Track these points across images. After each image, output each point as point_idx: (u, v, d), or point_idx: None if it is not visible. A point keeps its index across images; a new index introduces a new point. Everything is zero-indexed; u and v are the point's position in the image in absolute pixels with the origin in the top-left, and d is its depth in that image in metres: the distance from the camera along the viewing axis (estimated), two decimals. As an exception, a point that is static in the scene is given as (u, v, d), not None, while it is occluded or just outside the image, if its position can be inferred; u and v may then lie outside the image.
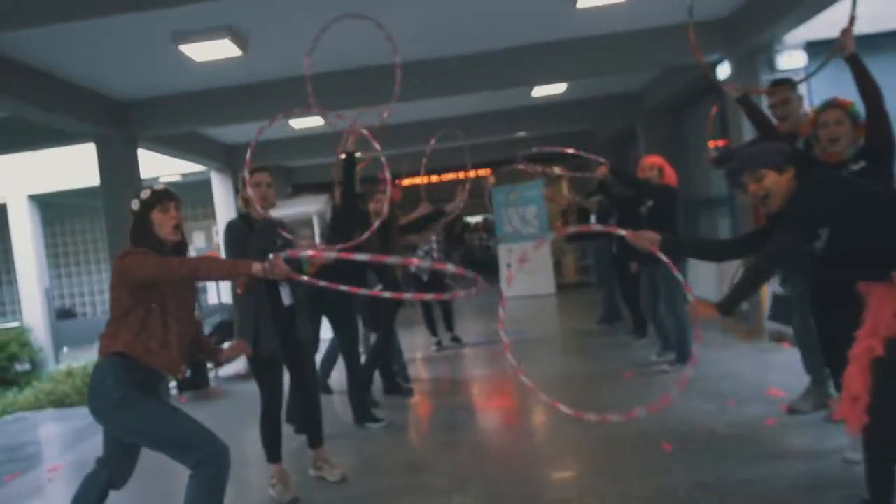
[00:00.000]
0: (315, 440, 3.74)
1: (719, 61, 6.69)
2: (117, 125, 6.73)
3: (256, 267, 2.52)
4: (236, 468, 4.60)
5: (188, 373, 2.74)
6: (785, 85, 4.01)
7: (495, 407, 5.24)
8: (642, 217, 5.51)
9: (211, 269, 2.54)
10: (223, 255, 3.76)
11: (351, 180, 4.21)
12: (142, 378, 2.59)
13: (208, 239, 12.54)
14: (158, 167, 9.86)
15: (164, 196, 2.74)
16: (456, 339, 7.97)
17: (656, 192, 5.35)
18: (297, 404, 4.31)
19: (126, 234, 2.74)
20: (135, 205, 2.72)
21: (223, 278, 2.52)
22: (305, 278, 2.85)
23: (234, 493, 3.85)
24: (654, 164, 5.47)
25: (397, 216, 4.97)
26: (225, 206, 10.10)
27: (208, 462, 2.52)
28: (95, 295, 12.06)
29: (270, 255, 2.55)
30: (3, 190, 10.64)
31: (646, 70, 8.28)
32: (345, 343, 4.67)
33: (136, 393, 2.55)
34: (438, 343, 7.79)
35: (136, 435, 2.61)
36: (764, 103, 4.32)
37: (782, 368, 5.13)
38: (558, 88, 8.39)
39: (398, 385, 5.66)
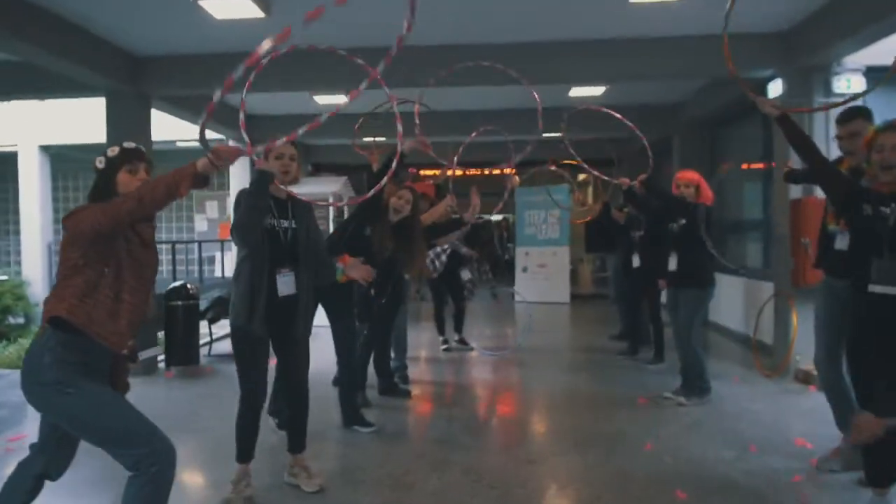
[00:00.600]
0: (296, 445, 3.41)
1: (771, 78, 6.24)
2: (130, 80, 6.42)
3: (201, 162, 2.20)
4: (210, 451, 4.47)
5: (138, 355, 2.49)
6: (859, 116, 3.54)
7: (496, 423, 4.88)
8: (672, 234, 5.13)
9: (154, 187, 2.19)
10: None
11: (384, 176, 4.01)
12: (84, 357, 2.27)
13: (221, 210, 12.31)
14: (174, 130, 9.58)
15: (134, 155, 2.44)
16: (463, 342, 7.64)
17: (692, 211, 4.95)
18: (282, 397, 4.01)
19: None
20: (100, 162, 2.41)
21: (170, 192, 2.18)
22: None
23: (210, 482, 3.56)
24: (690, 181, 5.07)
25: (419, 214, 4.62)
26: (240, 177, 9.81)
27: (149, 462, 2.21)
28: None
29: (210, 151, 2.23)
30: (15, 137, 10.47)
31: (690, 79, 7.83)
32: (340, 335, 4.35)
33: (76, 375, 2.23)
34: (446, 343, 7.46)
35: (70, 423, 2.29)
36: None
37: (807, 415, 4.74)
38: (597, 91, 7.98)
39: (395, 386, 5.33)
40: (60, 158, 9.78)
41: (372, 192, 3.54)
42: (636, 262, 6.70)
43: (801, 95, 5.99)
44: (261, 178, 3.06)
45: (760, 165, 7.79)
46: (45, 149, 9.60)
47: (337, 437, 4.28)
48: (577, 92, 7.98)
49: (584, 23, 5.90)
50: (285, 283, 3.20)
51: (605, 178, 5.42)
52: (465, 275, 7.45)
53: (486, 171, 15.62)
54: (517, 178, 14.40)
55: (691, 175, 5.13)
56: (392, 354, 5.92)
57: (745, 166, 8.44)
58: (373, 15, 5.05)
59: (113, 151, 2.42)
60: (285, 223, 3.24)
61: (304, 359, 3.35)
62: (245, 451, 3.29)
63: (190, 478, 3.72)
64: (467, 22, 5.81)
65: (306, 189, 10.32)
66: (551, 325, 9.55)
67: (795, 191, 6.03)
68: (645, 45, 6.25)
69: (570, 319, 10.65)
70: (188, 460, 3.87)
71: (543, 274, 12.22)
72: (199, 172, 2.21)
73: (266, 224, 3.17)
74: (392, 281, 4.66)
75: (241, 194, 3.13)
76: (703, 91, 8.40)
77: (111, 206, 2.23)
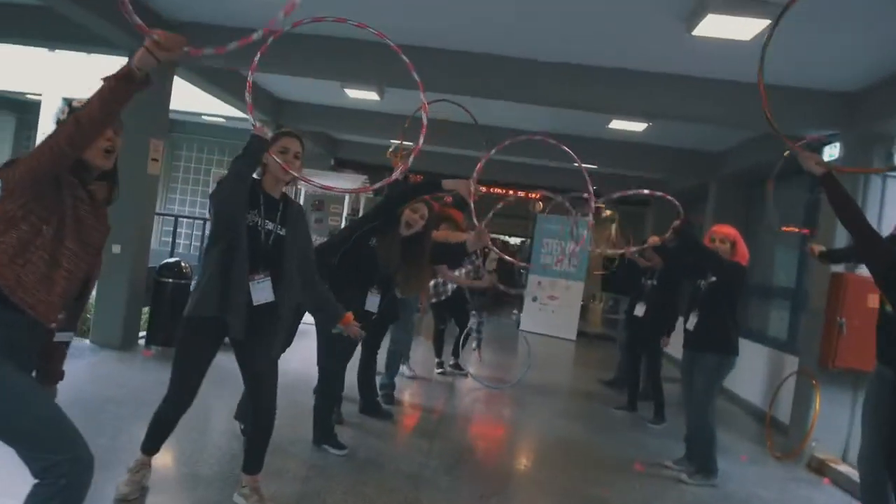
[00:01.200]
0: (251, 465, 3.03)
1: (829, 141, 5.82)
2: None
3: (137, 54, 1.86)
4: (196, 434, 4.13)
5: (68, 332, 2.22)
6: None
7: (476, 466, 4.45)
8: (698, 292, 4.71)
9: (90, 104, 1.86)
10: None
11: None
12: (7, 332, 1.90)
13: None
14: (203, 103, 9.33)
15: None
16: (458, 367, 7.26)
17: (725, 269, 4.51)
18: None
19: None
20: (62, 113, 2.07)
21: (103, 100, 1.86)
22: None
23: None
24: (727, 236, 4.63)
25: (431, 233, 4.23)
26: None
27: (60, 473, 1.85)
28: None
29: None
30: (41, 86, 10.31)
31: (739, 129, 7.41)
32: (323, 342, 3.99)
33: None
34: (441, 367, 7.08)
35: None
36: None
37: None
38: (637, 126, 7.59)
39: (377, 405, 4.94)
40: (81, 113, 9.60)
41: (378, 184, 3.15)
42: (639, 310, 6.28)
43: (858, 163, 5.56)
44: (254, 144, 2.75)
45: (803, 230, 7.33)
46: (69, 100, 9.42)
47: (303, 456, 3.88)
48: (616, 125, 7.60)
49: (634, 51, 5.51)
50: (261, 290, 2.84)
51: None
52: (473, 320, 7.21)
53: (510, 192, 15.37)
54: (541, 203, 14.07)
55: (728, 230, 4.70)
56: (383, 370, 5.58)
57: (785, 229, 8.01)
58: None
59: (78, 103, 2.08)
60: (270, 225, 2.90)
61: (272, 379, 2.99)
62: (152, 443, 3.01)
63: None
64: (517, 34, 5.45)
65: (327, 182, 10.03)
66: (553, 362, 9.13)
67: (838, 266, 5.59)
68: (696, 84, 5.85)
69: (573, 359, 10.22)
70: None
71: (553, 306, 11.79)
72: (133, 68, 1.86)
73: (248, 220, 2.84)
74: (388, 297, 4.30)
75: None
76: (749, 142, 7.98)
77: (47, 139, 1.90)
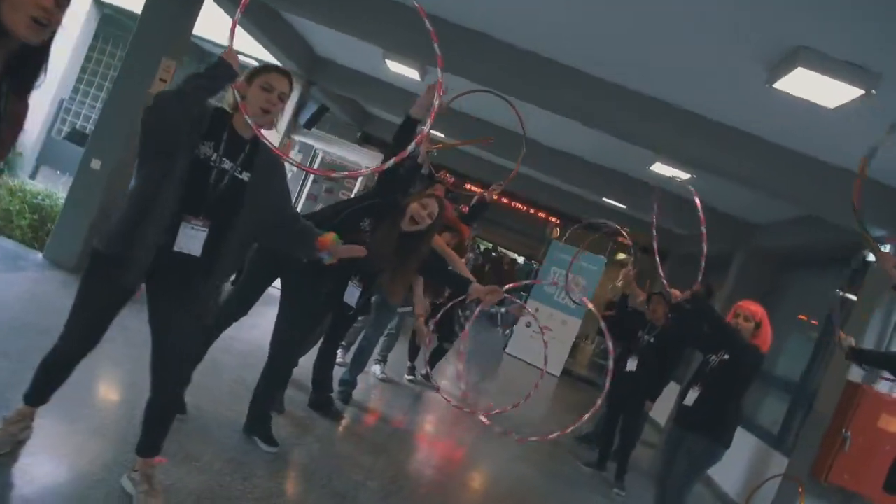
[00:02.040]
0: (145, 445, 2.55)
1: (881, 238, 5.32)
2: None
3: None
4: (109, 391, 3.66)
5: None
6: None
7: (420, 498, 3.97)
8: (706, 366, 4.21)
9: None
10: None
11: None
12: None
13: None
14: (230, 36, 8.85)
15: None
16: (427, 378, 6.81)
17: (743, 350, 4.02)
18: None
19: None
20: None
21: None
22: None
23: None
24: (753, 315, 4.09)
25: (433, 235, 3.72)
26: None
27: None
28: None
29: None
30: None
31: (791, 204, 6.89)
32: (280, 323, 3.54)
33: None
34: (412, 373, 6.65)
35: None
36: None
37: None
38: (682, 174, 7.10)
39: (328, 403, 4.48)
40: (109, 21, 9.12)
41: (390, 161, 2.65)
42: (631, 364, 5.80)
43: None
44: (220, 68, 2.31)
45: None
46: (100, 5, 8.96)
47: (226, 444, 3.40)
48: (659, 168, 7.12)
49: (705, 93, 5.03)
50: (190, 238, 2.37)
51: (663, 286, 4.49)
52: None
53: (527, 209, 14.90)
54: (557, 230, 13.57)
55: (756, 308, 4.16)
56: (346, 363, 5.17)
57: (801, 317, 7.52)
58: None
59: None
60: (228, 164, 2.44)
61: (182, 348, 2.50)
62: (37, 394, 2.56)
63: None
64: (583, 46, 4.97)
65: (343, 154, 9.58)
66: (533, 398, 8.64)
67: (855, 373, 5.11)
68: (761, 146, 5.35)
69: (552, 397, 9.73)
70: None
71: (545, 337, 11.31)
72: None
73: (200, 152, 2.38)
74: (369, 293, 3.85)
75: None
76: (788, 221, 7.48)
77: None
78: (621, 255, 16.22)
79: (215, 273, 2.46)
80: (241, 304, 3.49)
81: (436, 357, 6.83)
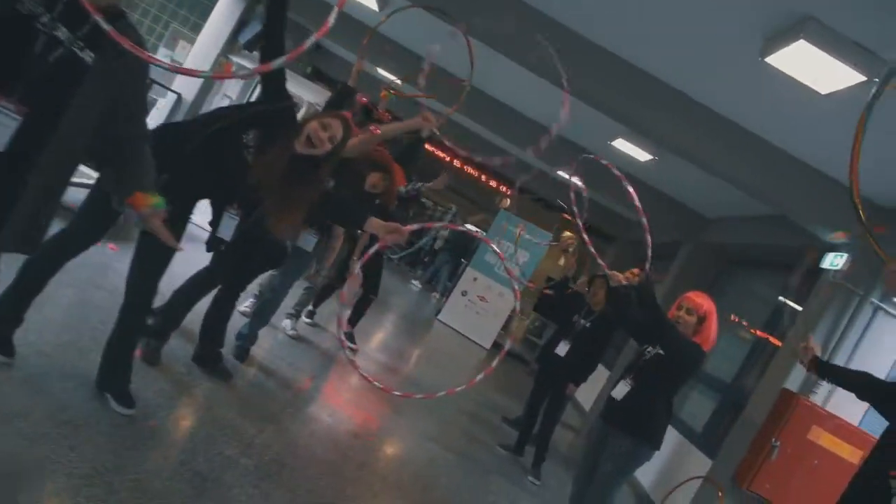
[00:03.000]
0: None
1: (839, 248, 5.01)
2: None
3: None
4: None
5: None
6: None
7: (306, 480, 3.47)
8: (641, 358, 3.81)
9: None
10: None
11: None
12: None
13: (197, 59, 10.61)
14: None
15: None
16: (350, 337, 6.32)
17: (679, 349, 3.63)
18: None
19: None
20: None
21: None
22: None
23: None
24: (697, 307, 3.67)
25: (332, 161, 3.04)
26: (221, 27, 8.11)
27: None
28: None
29: None
30: None
31: (761, 202, 6.56)
32: (141, 254, 2.92)
33: None
34: (311, 316, 6.13)
35: None
36: None
37: None
38: (643, 155, 6.68)
39: (215, 358, 3.89)
40: None
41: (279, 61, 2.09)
42: (562, 349, 5.44)
43: (858, 284, 4.80)
44: None
45: (756, 332, 6.60)
46: None
47: (65, 402, 2.75)
48: (622, 146, 6.68)
49: (684, 61, 4.56)
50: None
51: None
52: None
53: (483, 177, 14.39)
54: (507, 200, 13.11)
55: (702, 301, 3.72)
56: (246, 314, 4.62)
57: (734, 318, 7.29)
58: None
59: None
60: (64, 34, 1.83)
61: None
62: None
63: None
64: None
65: (293, 89, 8.73)
66: (456, 367, 8.26)
67: (793, 382, 4.85)
68: (731, 131, 4.95)
69: (476, 368, 9.36)
70: None
71: (479, 308, 10.94)
72: None
73: (21, 6, 1.77)
74: (250, 222, 3.27)
75: None
76: (745, 219, 7.18)
77: None
78: (567, 233, 15.91)
79: (36, 175, 1.85)
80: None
81: (359, 310, 6.31)
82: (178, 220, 2.80)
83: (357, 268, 5.95)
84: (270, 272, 4.53)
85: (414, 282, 14.34)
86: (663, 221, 8.60)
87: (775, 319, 6.44)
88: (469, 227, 5.50)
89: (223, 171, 2.81)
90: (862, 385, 3.22)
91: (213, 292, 3.89)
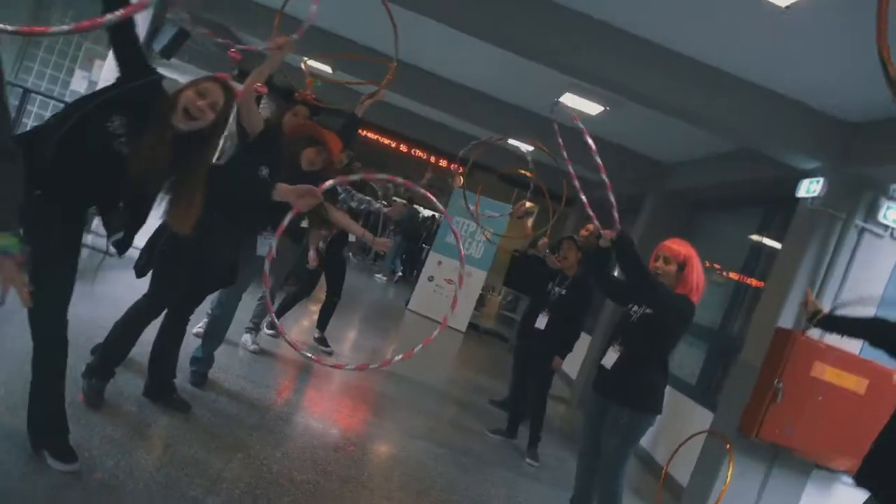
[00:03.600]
0: None
1: (813, 173, 4.81)
2: None
3: None
4: None
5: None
6: None
7: None
8: (627, 320, 3.52)
9: None
10: None
11: None
12: None
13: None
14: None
15: None
16: (322, 342, 5.96)
17: (666, 305, 3.33)
18: None
19: None
20: None
21: None
22: None
23: None
24: (675, 255, 3.38)
25: (220, 132, 2.64)
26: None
27: None
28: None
29: None
30: None
31: (719, 135, 6.32)
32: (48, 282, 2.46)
33: None
34: (272, 329, 5.66)
35: None
36: None
37: None
38: (592, 108, 6.39)
39: (167, 390, 3.47)
40: None
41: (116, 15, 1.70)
42: (541, 321, 5.14)
43: (839, 208, 4.60)
44: None
45: (737, 276, 6.41)
46: None
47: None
48: (569, 100, 6.38)
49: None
50: None
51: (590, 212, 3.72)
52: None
53: (429, 158, 13.97)
54: (461, 177, 12.77)
55: (679, 246, 3.41)
56: (200, 336, 4.20)
57: (714, 265, 7.11)
58: None
59: None
60: None
61: None
62: None
63: None
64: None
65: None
66: (435, 356, 7.92)
67: (786, 319, 4.65)
68: (684, 66, 4.66)
69: (458, 355, 9.06)
70: None
71: (448, 291, 10.61)
72: None
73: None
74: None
75: None
76: (704, 160, 6.98)
77: None
78: (528, 205, 15.72)
79: None
80: None
81: (326, 314, 5.97)
82: (67, 242, 2.38)
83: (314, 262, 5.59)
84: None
85: (378, 275, 13.95)
86: (623, 175, 8.37)
87: (753, 259, 6.26)
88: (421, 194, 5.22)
89: (95, 170, 2.36)
90: (876, 331, 2.99)
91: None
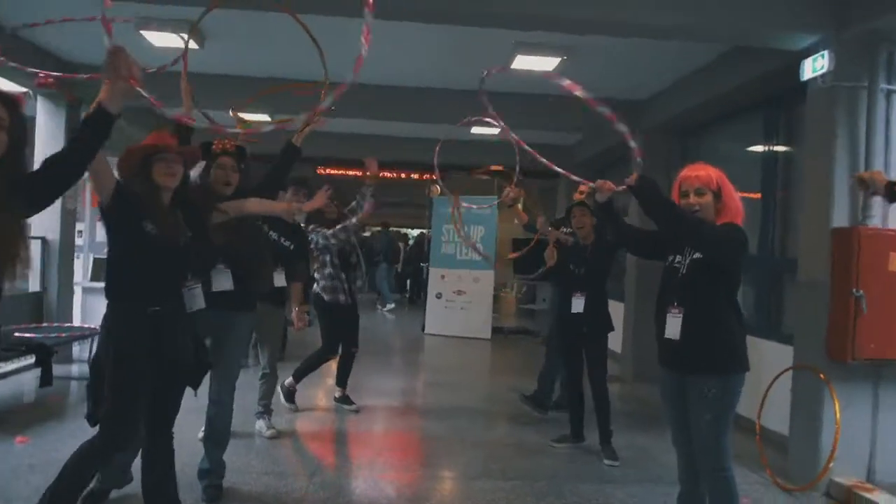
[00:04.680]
0: None
1: (815, 48, 4.20)
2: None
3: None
4: None
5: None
6: None
7: None
8: (673, 277, 2.92)
9: None
10: None
11: None
12: None
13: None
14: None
15: None
16: (345, 400, 5.38)
17: (716, 240, 2.75)
18: None
19: None
20: None
21: None
22: None
23: None
24: (706, 182, 2.81)
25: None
26: (51, 146, 6.97)
27: None
28: None
29: None
30: None
31: (682, 58, 5.74)
32: None
33: None
34: (289, 396, 5.22)
35: None
36: None
37: None
38: (549, 62, 5.79)
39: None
40: None
41: None
42: (577, 305, 4.54)
43: (856, 77, 4.02)
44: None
45: (755, 194, 5.80)
46: None
47: None
48: (522, 63, 5.78)
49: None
50: None
51: (576, 178, 3.21)
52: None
53: (403, 175, 13.37)
54: (437, 186, 12.19)
55: (707, 172, 2.83)
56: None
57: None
58: None
59: None
60: None
61: None
62: None
63: None
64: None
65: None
66: (468, 376, 7.30)
67: (839, 217, 4.04)
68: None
69: (490, 365, 8.45)
70: None
71: (461, 302, 10.01)
72: None
73: None
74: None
75: None
76: (681, 83, 6.40)
77: None
78: (512, 193, 15.20)
79: None
80: None
81: (345, 368, 5.38)
82: None
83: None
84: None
85: (380, 308, 13.33)
86: (599, 126, 7.76)
87: (768, 170, 5.66)
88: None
89: None
90: None
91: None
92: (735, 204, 2.85)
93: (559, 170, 3.22)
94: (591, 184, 2.97)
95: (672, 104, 6.68)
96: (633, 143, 2.83)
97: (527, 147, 3.21)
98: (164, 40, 5.44)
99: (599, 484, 4.02)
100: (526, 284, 11.80)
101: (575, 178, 3.11)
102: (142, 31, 5.25)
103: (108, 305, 2.68)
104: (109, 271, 2.71)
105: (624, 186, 2.85)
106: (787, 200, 5.41)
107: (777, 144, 5.55)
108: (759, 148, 5.84)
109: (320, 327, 5.23)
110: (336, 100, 2.13)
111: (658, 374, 3.01)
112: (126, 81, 2.10)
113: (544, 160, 3.16)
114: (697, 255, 2.82)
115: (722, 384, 2.77)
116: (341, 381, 5.41)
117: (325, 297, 5.07)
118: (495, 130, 8.97)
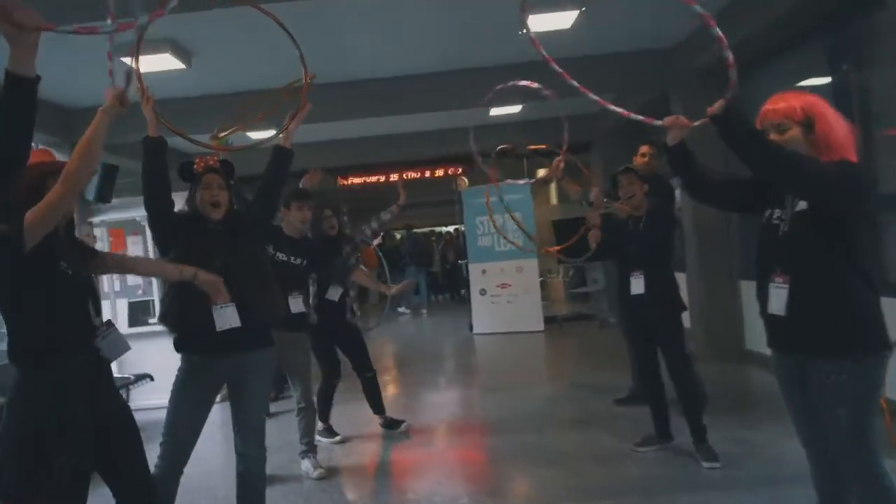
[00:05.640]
0: None
1: None
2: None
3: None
4: None
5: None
6: None
7: None
8: (771, 236, 2.28)
9: None
10: None
11: None
12: None
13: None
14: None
15: None
16: (391, 425, 4.88)
17: (825, 178, 2.08)
18: None
19: None
20: None
21: None
22: None
23: None
24: (789, 114, 2.18)
25: None
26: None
27: None
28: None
29: None
30: None
31: None
32: None
33: None
34: (329, 431, 4.78)
35: None
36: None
37: None
38: (564, 20, 5.12)
39: None
40: None
41: None
42: (636, 286, 3.91)
43: None
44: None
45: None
46: None
47: None
48: (537, 23, 5.13)
49: None
50: None
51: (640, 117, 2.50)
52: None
53: (430, 173, 12.80)
54: (464, 179, 11.55)
55: (793, 101, 2.19)
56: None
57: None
58: None
59: None
60: None
61: None
62: None
63: None
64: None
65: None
66: (526, 375, 6.70)
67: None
68: None
69: (548, 361, 7.82)
70: None
71: (507, 296, 9.40)
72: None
73: None
74: None
75: None
76: (733, 9, 5.59)
77: None
78: (540, 171, 14.43)
79: None
80: None
81: (372, 395, 4.85)
82: None
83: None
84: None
85: (399, 309, 12.77)
86: (629, 83, 7.08)
87: (843, 101, 4.86)
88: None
89: None
90: None
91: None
92: (837, 136, 2.18)
93: (615, 108, 2.48)
94: (658, 122, 2.34)
95: (712, 43, 5.91)
96: (716, 31, 2.19)
97: (573, 82, 2.49)
98: (150, 65, 4.98)
99: (703, 491, 3.40)
100: (573, 268, 11.09)
101: (638, 116, 2.38)
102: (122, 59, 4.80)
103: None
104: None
105: (701, 121, 2.23)
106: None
107: (846, 73, 4.78)
108: (822, 80, 5.07)
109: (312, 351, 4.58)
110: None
111: (771, 358, 2.38)
112: (34, 30, 1.63)
113: (600, 99, 2.50)
114: (802, 205, 2.18)
115: (852, 372, 2.13)
116: (377, 409, 4.89)
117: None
118: (516, 109, 8.37)
